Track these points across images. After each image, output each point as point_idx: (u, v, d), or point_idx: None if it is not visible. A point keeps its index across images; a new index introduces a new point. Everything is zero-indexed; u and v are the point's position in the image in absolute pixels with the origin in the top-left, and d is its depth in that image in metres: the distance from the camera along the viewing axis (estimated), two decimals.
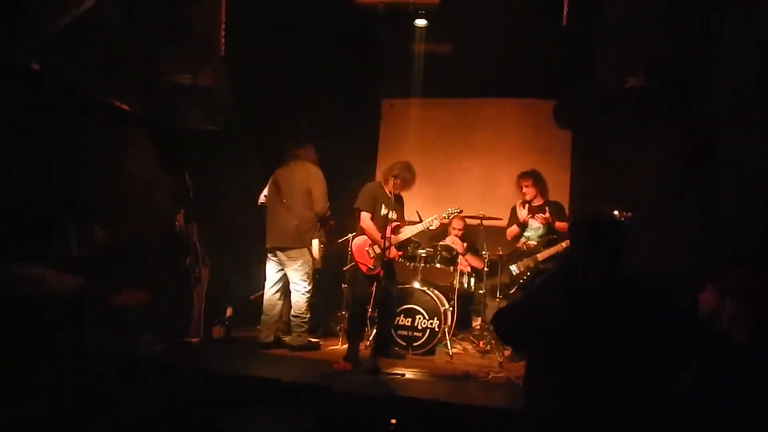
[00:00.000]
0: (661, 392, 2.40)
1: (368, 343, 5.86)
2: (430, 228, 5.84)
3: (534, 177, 6.10)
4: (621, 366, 2.40)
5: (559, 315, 2.54)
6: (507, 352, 5.72)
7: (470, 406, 4.12)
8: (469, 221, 6.51)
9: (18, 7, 3.95)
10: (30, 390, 2.30)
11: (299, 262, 5.77)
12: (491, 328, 5.94)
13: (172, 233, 5.50)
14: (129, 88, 4.93)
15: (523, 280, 5.81)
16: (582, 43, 5.84)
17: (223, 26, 5.26)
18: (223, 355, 5.29)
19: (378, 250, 5.44)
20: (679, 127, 4.51)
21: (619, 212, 5.10)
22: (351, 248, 5.94)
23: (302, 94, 7.20)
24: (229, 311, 5.94)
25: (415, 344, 5.90)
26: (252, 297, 6.62)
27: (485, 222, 6.42)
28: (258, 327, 6.03)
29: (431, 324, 5.91)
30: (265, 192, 6.12)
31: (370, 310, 5.82)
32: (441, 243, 6.58)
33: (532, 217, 6.02)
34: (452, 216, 5.94)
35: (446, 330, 5.94)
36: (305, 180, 5.82)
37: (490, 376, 5.00)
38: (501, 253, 6.44)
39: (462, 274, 6.58)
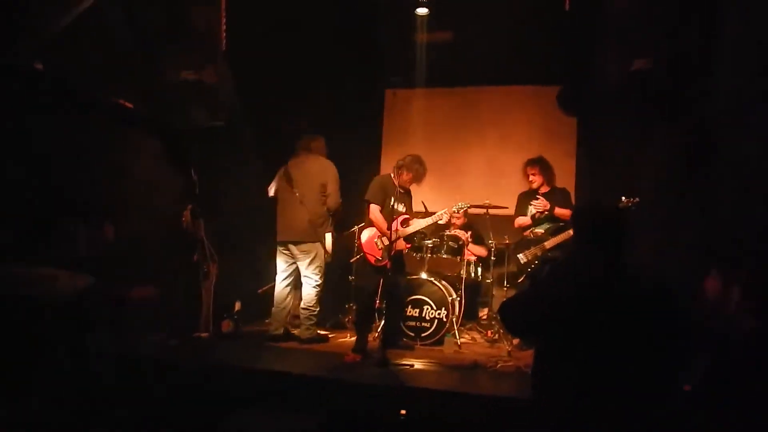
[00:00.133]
0: (665, 384, 2.40)
1: (377, 335, 5.88)
2: (439, 222, 5.85)
3: (541, 164, 6.07)
4: (626, 356, 2.40)
5: (563, 306, 2.54)
6: (515, 341, 5.72)
7: (479, 396, 4.13)
8: (475, 210, 6.48)
9: (18, 7, 3.95)
10: (38, 390, 2.32)
11: (312, 256, 5.78)
12: (499, 318, 5.94)
13: (180, 229, 5.51)
14: (132, 86, 4.93)
15: (531, 268, 5.79)
16: (585, 28, 5.81)
17: (224, 21, 5.25)
18: (232, 350, 5.31)
19: (386, 242, 5.45)
20: (684, 112, 4.48)
21: (626, 198, 5.08)
22: (359, 240, 5.95)
23: (304, 86, 7.19)
24: (237, 306, 5.96)
25: (423, 335, 5.91)
26: (260, 291, 6.65)
27: (491, 211, 6.40)
28: (267, 320, 6.05)
29: (439, 314, 5.91)
30: (275, 183, 6.11)
31: (378, 301, 5.84)
32: (447, 233, 6.57)
33: (540, 201, 5.95)
34: (462, 210, 5.93)
35: (454, 320, 5.95)
36: (319, 174, 5.82)
37: (499, 366, 5.01)
38: (508, 241, 6.43)
39: (468, 263, 6.58)
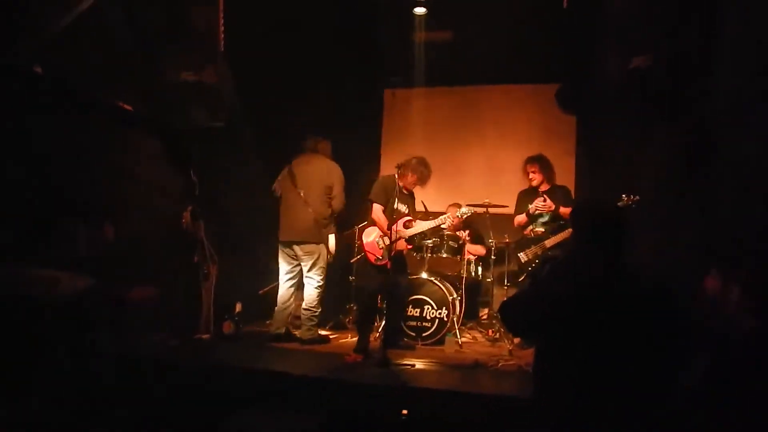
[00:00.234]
0: (665, 383, 2.40)
1: (377, 335, 5.88)
2: (442, 226, 5.87)
3: (540, 162, 6.04)
4: (626, 356, 2.40)
5: (563, 305, 2.54)
6: (516, 340, 5.72)
7: (481, 395, 4.13)
8: (475, 209, 6.49)
9: (18, 8, 3.95)
10: (39, 390, 2.32)
11: (316, 257, 5.79)
12: (499, 317, 5.94)
13: (180, 230, 5.51)
14: (132, 87, 4.93)
15: (532, 267, 5.79)
16: (584, 26, 5.81)
17: (222, 21, 5.25)
18: (234, 351, 5.31)
19: (387, 242, 5.45)
20: (683, 111, 4.49)
21: (626, 197, 5.08)
22: (360, 239, 5.96)
23: (304, 86, 7.19)
24: (238, 307, 5.96)
25: (424, 334, 5.91)
26: (261, 292, 6.65)
27: (491, 210, 6.40)
28: (268, 321, 6.05)
29: (440, 314, 5.91)
30: (279, 182, 6.11)
31: (379, 301, 5.84)
32: (447, 233, 6.57)
33: (544, 199, 5.95)
34: (465, 216, 5.93)
35: (455, 319, 5.95)
36: (326, 175, 5.82)
37: (500, 364, 5.01)
38: (508, 240, 6.43)
39: (468, 263, 6.58)
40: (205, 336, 5.61)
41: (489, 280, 6.82)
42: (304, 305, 5.81)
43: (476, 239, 7.00)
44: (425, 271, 6.28)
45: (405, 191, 5.70)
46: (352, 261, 6.77)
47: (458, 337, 5.86)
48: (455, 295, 6.15)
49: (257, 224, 6.72)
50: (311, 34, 6.60)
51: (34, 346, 2.35)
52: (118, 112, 4.82)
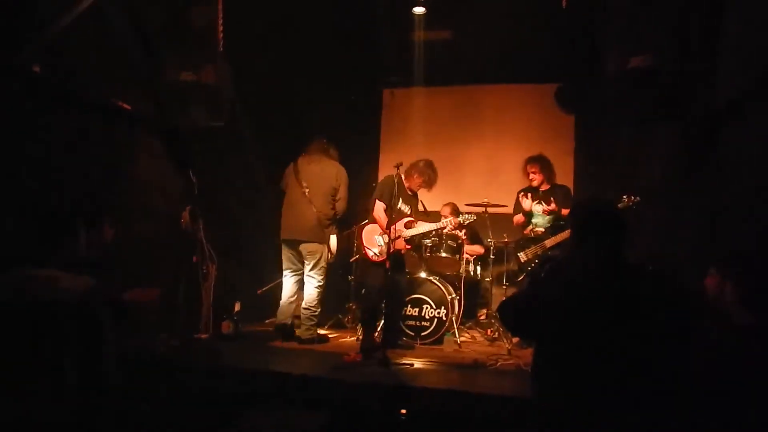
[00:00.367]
0: (663, 383, 2.40)
1: (376, 334, 5.88)
2: (443, 230, 5.91)
3: (541, 162, 6.04)
4: (625, 355, 2.40)
5: (562, 304, 2.54)
6: (515, 339, 5.72)
7: (480, 394, 4.12)
8: (473, 209, 6.51)
9: (18, 7, 3.95)
10: (40, 391, 2.32)
11: (318, 256, 5.81)
12: (498, 316, 5.95)
13: (179, 230, 5.51)
14: (130, 87, 4.93)
15: (531, 267, 5.79)
16: (583, 25, 5.81)
17: (221, 21, 5.25)
18: (233, 351, 5.31)
19: (386, 240, 5.47)
20: (683, 111, 4.49)
21: (626, 197, 5.08)
22: (359, 238, 5.99)
23: (303, 86, 7.20)
24: (237, 306, 5.96)
25: (423, 334, 5.92)
26: (259, 291, 6.65)
27: (490, 209, 6.41)
28: (267, 321, 6.05)
29: (439, 313, 5.92)
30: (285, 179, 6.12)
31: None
32: (446, 232, 6.58)
33: (539, 202, 5.97)
34: (467, 222, 5.95)
35: (454, 319, 5.95)
36: (333, 177, 5.84)
37: (499, 364, 5.01)
38: (507, 240, 6.44)
39: (467, 262, 6.59)
40: (204, 336, 5.61)
41: (488, 279, 6.83)
42: (303, 304, 5.82)
43: (473, 239, 7.00)
44: (424, 271, 6.29)
45: (409, 192, 5.77)
46: (351, 260, 6.78)
47: (457, 336, 5.86)
48: (454, 295, 6.16)
49: (256, 224, 6.73)
50: (310, 33, 6.61)
51: (35, 346, 2.35)
52: (118, 111, 4.81)
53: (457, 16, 6.78)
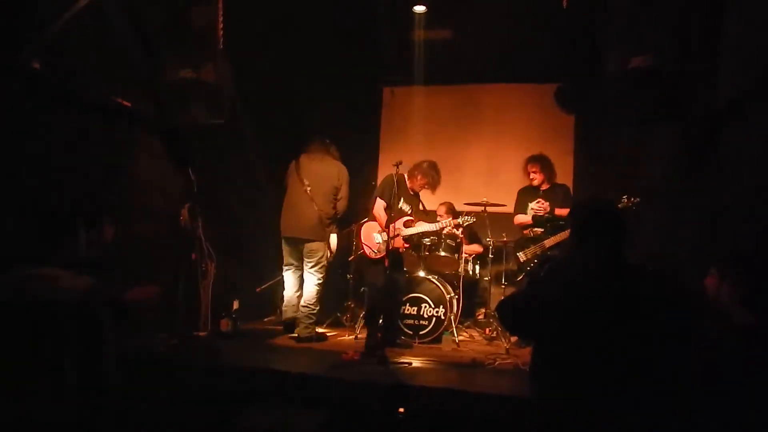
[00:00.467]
0: (663, 382, 2.41)
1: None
2: (443, 231, 5.93)
3: (542, 162, 6.03)
4: (624, 355, 2.40)
5: (560, 304, 2.55)
6: (513, 339, 5.73)
7: (478, 393, 4.13)
8: (473, 208, 6.51)
9: (18, 6, 3.94)
10: (41, 391, 2.32)
11: (319, 255, 5.83)
12: (497, 316, 5.95)
13: (178, 228, 5.50)
14: (130, 85, 4.92)
15: (530, 267, 5.79)
16: (583, 25, 5.81)
17: (222, 19, 5.24)
18: (232, 348, 5.31)
19: (385, 238, 5.48)
20: (683, 111, 4.49)
21: (626, 198, 5.07)
22: (359, 236, 6.02)
23: (303, 84, 7.20)
24: (235, 304, 5.96)
25: (421, 333, 5.93)
26: (258, 289, 6.65)
27: (489, 209, 6.42)
28: (266, 318, 6.05)
29: (437, 312, 5.93)
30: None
31: None
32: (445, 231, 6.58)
33: (539, 202, 5.95)
34: (467, 223, 5.96)
35: (452, 318, 5.96)
36: (335, 177, 5.85)
37: (497, 363, 5.01)
38: (506, 239, 6.44)
39: (466, 261, 6.59)
40: (202, 333, 5.61)
41: (486, 278, 6.83)
42: (302, 302, 5.83)
43: (472, 238, 7.00)
44: (423, 270, 6.30)
45: (411, 192, 5.80)
46: (350, 259, 6.78)
47: (455, 335, 5.86)
48: (453, 294, 6.17)
49: (256, 222, 6.73)
50: (311, 31, 6.60)
51: (35, 346, 2.35)
52: (118, 109, 4.81)
53: (457, 16, 6.78)
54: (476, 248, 6.90)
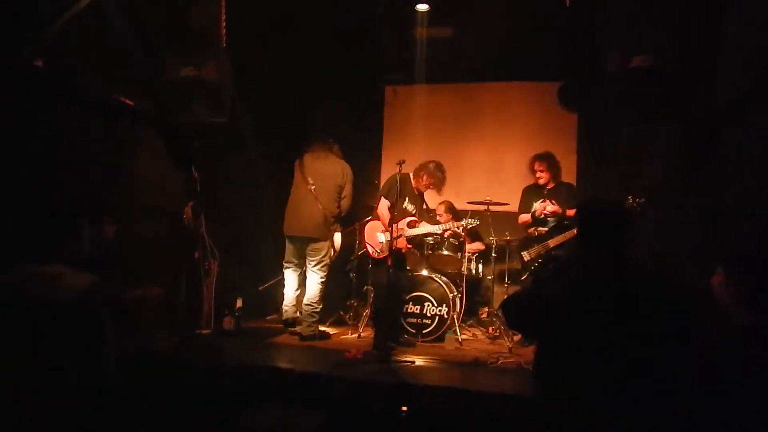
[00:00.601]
0: (664, 382, 2.40)
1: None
2: (446, 232, 5.96)
3: (548, 160, 5.98)
4: (627, 354, 2.40)
5: (565, 302, 2.55)
6: (516, 337, 5.73)
7: (481, 392, 4.13)
8: (475, 207, 6.51)
9: (20, 4, 3.95)
10: (43, 390, 2.33)
11: (322, 253, 5.84)
12: (500, 314, 5.95)
13: (181, 227, 5.52)
14: (131, 85, 4.93)
15: (534, 266, 5.78)
16: (583, 25, 5.79)
17: (224, 17, 5.24)
18: (234, 347, 5.33)
19: (389, 238, 5.48)
20: (685, 110, 4.48)
21: (632, 199, 5.04)
22: (362, 235, 6.02)
23: (305, 82, 7.19)
24: (239, 302, 5.97)
25: (424, 331, 5.92)
26: (261, 288, 6.66)
27: (492, 207, 6.41)
28: (269, 317, 6.06)
29: (440, 311, 5.92)
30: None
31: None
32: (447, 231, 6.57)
33: (544, 201, 5.93)
34: (471, 225, 5.96)
35: (455, 316, 5.95)
36: (339, 175, 5.86)
37: (500, 362, 5.02)
38: (509, 238, 6.43)
39: (469, 260, 6.58)
40: (205, 332, 5.63)
41: (489, 277, 6.83)
42: (305, 301, 5.84)
43: (473, 236, 6.97)
44: (426, 268, 6.29)
45: (416, 191, 5.80)
46: (353, 257, 6.79)
47: (458, 334, 5.86)
48: (455, 293, 6.16)
49: (258, 220, 6.73)
50: (312, 30, 6.59)
51: (35, 346, 2.36)
52: (119, 108, 4.81)
53: (458, 15, 6.76)
54: (478, 246, 6.89)
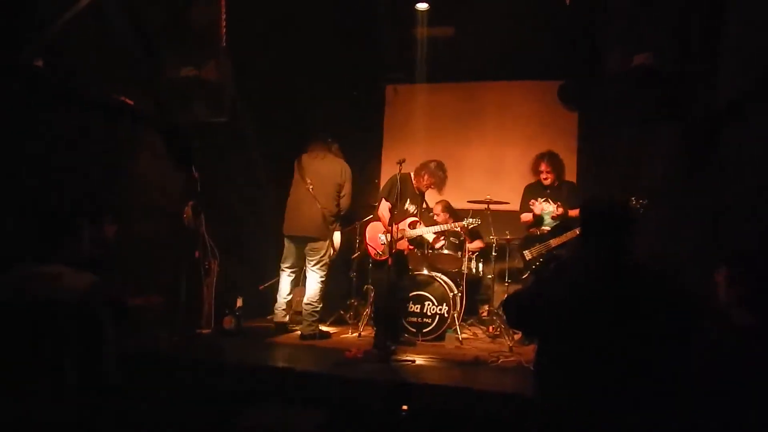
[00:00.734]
0: (665, 381, 2.40)
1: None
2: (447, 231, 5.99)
3: (553, 160, 5.96)
4: (628, 354, 2.40)
5: (567, 301, 2.55)
6: (517, 336, 5.73)
7: (481, 391, 4.13)
8: (476, 206, 6.51)
9: (21, 5, 3.95)
10: (43, 390, 2.33)
11: (322, 253, 5.84)
12: (501, 312, 5.95)
13: (181, 226, 5.52)
14: (131, 83, 4.93)
15: (536, 266, 5.78)
16: (584, 25, 5.79)
17: (224, 17, 5.24)
18: (235, 346, 5.33)
19: (389, 239, 5.49)
20: (686, 109, 4.48)
21: (635, 199, 5.03)
22: (364, 233, 6.02)
23: (305, 82, 7.19)
24: (239, 302, 5.97)
25: (424, 330, 5.92)
26: (261, 287, 6.66)
27: (492, 206, 6.41)
28: (270, 316, 6.06)
29: (440, 310, 5.92)
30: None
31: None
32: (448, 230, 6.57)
33: (546, 200, 5.93)
34: (471, 226, 5.96)
35: (455, 315, 5.95)
36: (338, 174, 5.87)
37: (500, 361, 5.02)
38: (509, 237, 6.43)
39: (469, 259, 6.58)
40: (205, 331, 5.63)
41: (490, 276, 6.83)
42: (305, 300, 5.84)
43: (473, 235, 6.97)
44: (426, 267, 6.29)
45: (417, 191, 5.79)
46: (353, 257, 6.79)
47: (458, 333, 5.86)
48: (456, 292, 6.16)
49: (258, 220, 6.74)
50: (312, 29, 6.59)
51: (35, 346, 2.36)
52: (120, 107, 4.82)
53: (458, 14, 6.76)
54: (478, 244, 6.89)
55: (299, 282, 6.12)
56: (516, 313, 2.86)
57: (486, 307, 6.94)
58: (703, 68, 4.20)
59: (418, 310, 5.99)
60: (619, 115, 5.34)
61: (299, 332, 5.81)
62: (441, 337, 5.82)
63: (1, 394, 2.28)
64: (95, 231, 2.92)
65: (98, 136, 4.69)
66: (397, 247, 5.45)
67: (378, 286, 5.90)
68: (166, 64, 4.98)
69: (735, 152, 4.05)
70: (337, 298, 6.85)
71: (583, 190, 6.63)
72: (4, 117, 3.88)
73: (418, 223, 5.86)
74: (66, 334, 2.36)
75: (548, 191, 5.94)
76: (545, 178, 5.96)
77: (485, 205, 6.39)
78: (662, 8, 4.36)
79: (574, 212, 5.69)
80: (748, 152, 3.86)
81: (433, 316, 5.94)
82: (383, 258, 5.60)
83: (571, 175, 7.14)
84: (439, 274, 6.17)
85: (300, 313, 5.97)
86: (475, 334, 6.48)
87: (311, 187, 5.78)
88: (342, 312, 6.84)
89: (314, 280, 5.83)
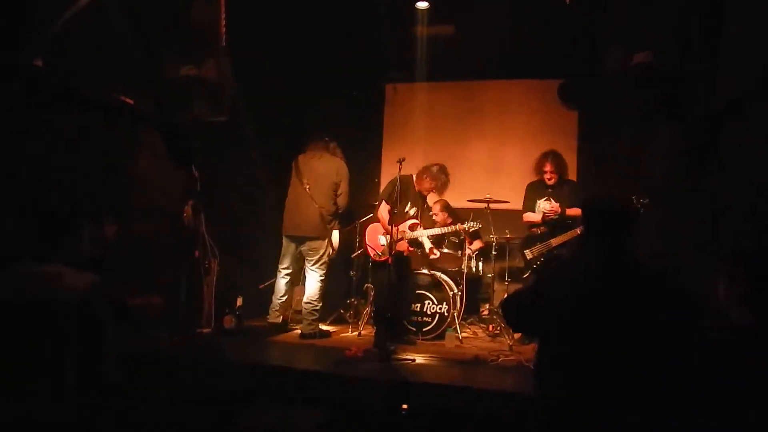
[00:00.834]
0: (665, 381, 2.40)
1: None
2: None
3: (557, 160, 5.92)
4: (628, 353, 2.40)
5: (567, 301, 2.55)
6: (517, 336, 5.73)
7: (481, 390, 4.14)
8: (476, 205, 6.51)
9: (21, 5, 3.95)
10: (44, 390, 2.33)
11: (321, 252, 5.84)
12: (500, 312, 5.95)
13: (181, 225, 5.52)
14: (132, 83, 4.93)
15: (536, 265, 5.77)
16: (584, 25, 5.79)
17: (224, 16, 5.24)
18: (235, 346, 5.33)
19: (388, 240, 5.49)
20: (686, 108, 4.48)
21: (636, 199, 5.02)
22: (365, 233, 6.02)
23: (305, 81, 7.19)
24: (239, 301, 5.98)
25: (424, 329, 5.93)
26: (260, 286, 6.66)
27: (492, 205, 6.41)
28: (267, 315, 6.07)
29: (440, 309, 5.93)
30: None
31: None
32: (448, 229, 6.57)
33: (547, 199, 5.92)
34: (472, 229, 5.96)
35: (455, 314, 5.95)
36: (334, 173, 5.87)
37: (500, 360, 5.02)
38: (509, 236, 6.43)
39: (469, 258, 6.58)
40: (206, 330, 5.63)
41: (490, 275, 6.83)
42: (305, 299, 5.84)
43: (472, 235, 6.97)
44: (426, 266, 6.29)
45: (419, 194, 5.83)
46: (353, 256, 6.80)
47: (459, 332, 5.87)
48: (456, 291, 6.17)
49: (258, 219, 6.73)
50: (312, 29, 6.59)
51: (35, 346, 2.36)
52: (120, 107, 4.82)
53: (458, 13, 6.76)
54: (478, 244, 6.89)
55: (297, 282, 6.13)
56: (516, 313, 2.86)
57: (486, 306, 6.94)
58: (703, 68, 4.20)
59: (418, 309, 6.01)
60: (619, 114, 5.34)
61: (299, 331, 5.82)
62: (441, 336, 5.83)
63: (1, 394, 2.28)
64: (95, 231, 2.92)
65: (98, 136, 4.69)
66: (397, 248, 5.45)
67: (378, 285, 5.92)
68: (166, 64, 4.98)
69: (735, 152, 4.05)
70: (337, 297, 6.85)
71: (583, 190, 6.62)
72: (4, 117, 3.88)
73: (419, 226, 5.87)
74: (66, 334, 2.36)
75: (550, 190, 5.93)
76: (549, 178, 5.92)
77: (485, 204, 6.39)
78: (662, 7, 4.36)
79: (572, 211, 5.69)
80: (748, 152, 3.86)
81: (433, 315, 5.95)
82: (383, 259, 5.61)
83: (571, 174, 7.14)
84: (439, 273, 6.17)
85: (300, 312, 5.98)
86: (475, 333, 6.48)
87: (308, 186, 5.78)
88: (342, 311, 6.84)
89: (314, 279, 5.84)
